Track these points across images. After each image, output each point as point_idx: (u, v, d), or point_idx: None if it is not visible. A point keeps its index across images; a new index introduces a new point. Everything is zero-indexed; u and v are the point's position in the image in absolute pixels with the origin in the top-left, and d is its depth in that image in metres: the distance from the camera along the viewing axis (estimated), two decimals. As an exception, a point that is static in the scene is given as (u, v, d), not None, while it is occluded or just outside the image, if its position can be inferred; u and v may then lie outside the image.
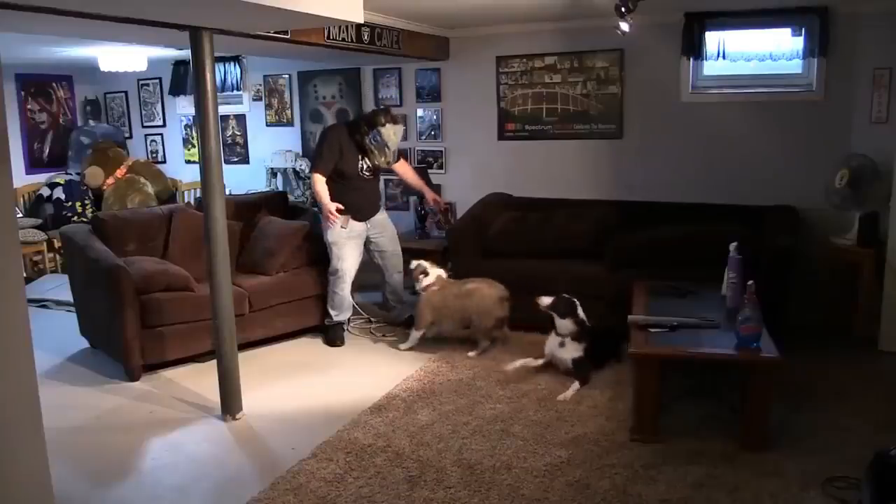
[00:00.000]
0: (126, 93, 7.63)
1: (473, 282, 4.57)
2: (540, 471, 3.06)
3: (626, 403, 3.59)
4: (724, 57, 5.10)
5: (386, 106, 4.67)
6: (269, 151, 6.80)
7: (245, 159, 7.09)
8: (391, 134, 4.56)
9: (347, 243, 4.71)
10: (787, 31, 4.95)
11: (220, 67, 6.62)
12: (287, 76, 6.70)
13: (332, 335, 4.83)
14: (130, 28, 3.29)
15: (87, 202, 6.90)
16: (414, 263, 4.69)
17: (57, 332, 5.03)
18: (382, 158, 4.66)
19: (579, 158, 5.69)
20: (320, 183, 4.61)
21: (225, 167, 3.77)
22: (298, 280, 4.89)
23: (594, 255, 4.84)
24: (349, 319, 5.02)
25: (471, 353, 4.46)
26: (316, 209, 4.94)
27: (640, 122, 5.47)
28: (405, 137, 5.00)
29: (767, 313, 3.35)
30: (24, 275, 5.21)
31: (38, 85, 7.24)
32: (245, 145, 7.08)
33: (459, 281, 4.67)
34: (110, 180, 7.01)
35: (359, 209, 4.73)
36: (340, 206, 4.56)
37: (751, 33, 5.07)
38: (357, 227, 4.75)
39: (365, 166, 4.71)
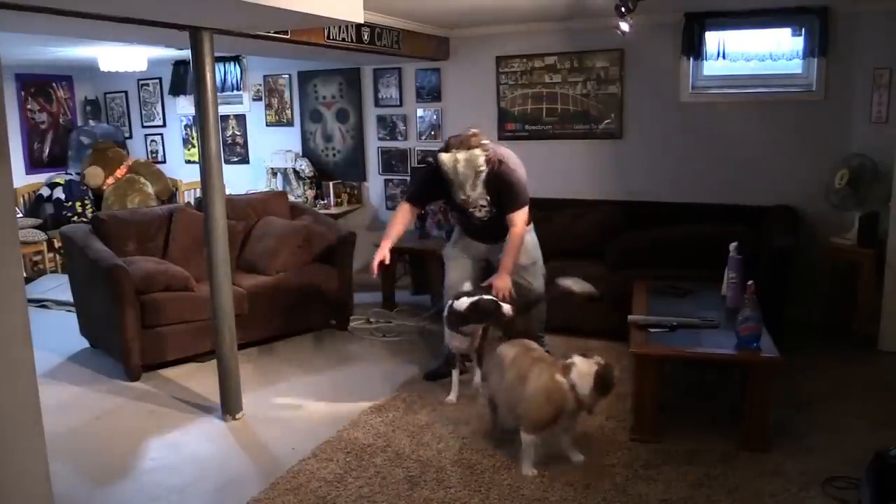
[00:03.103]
0: (126, 93, 7.63)
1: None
2: (540, 471, 3.05)
3: (626, 403, 3.59)
4: (724, 57, 5.10)
5: (470, 132, 3.69)
6: (269, 151, 6.80)
7: (245, 159, 7.09)
8: (451, 161, 3.61)
9: (455, 260, 4.05)
10: (787, 31, 4.95)
11: (220, 67, 6.62)
12: (287, 76, 6.71)
13: (435, 367, 4.14)
14: (130, 28, 3.29)
15: (87, 202, 6.90)
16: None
17: (57, 332, 5.03)
18: (457, 191, 3.71)
19: (579, 159, 5.69)
20: (395, 212, 3.99)
21: (225, 167, 3.77)
22: (298, 280, 4.89)
23: (594, 255, 4.84)
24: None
25: None
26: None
27: (640, 122, 5.47)
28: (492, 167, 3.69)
29: (767, 313, 3.35)
30: (24, 275, 5.21)
31: (38, 85, 7.24)
32: (245, 145, 7.08)
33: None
34: (110, 180, 7.01)
35: (471, 232, 4.01)
36: (384, 258, 3.79)
37: (751, 33, 5.06)
38: (472, 246, 4.03)
39: (469, 200, 3.75)
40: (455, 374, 3.84)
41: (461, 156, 3.59)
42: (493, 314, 3.53)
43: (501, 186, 3.70)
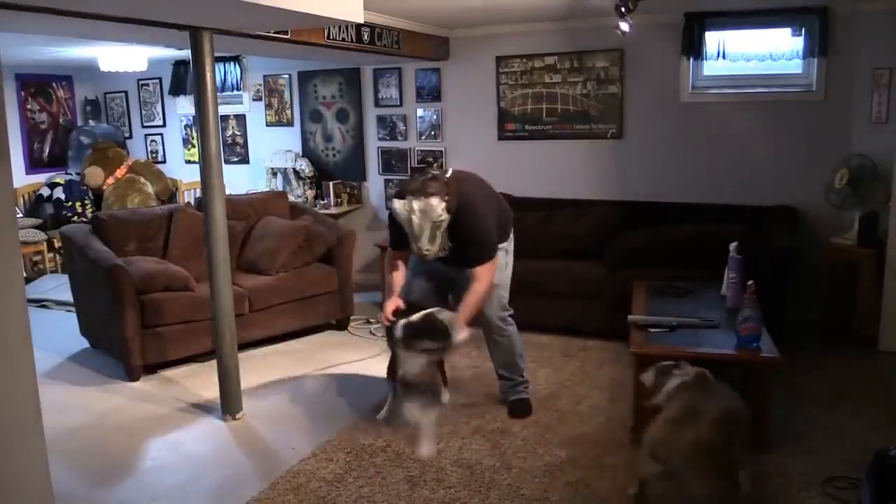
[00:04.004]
0: (126, 93, 7.62)
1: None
2: (540, 471, 3.06)
3: (626, 403, 3.59)
4: (724, 57, 5.10)
5: (429, 175, 3.16)
6: (269, 151, 6.79)
7: (245, 159, 7.08)
8: (406, 211, 3.08)
9: (414, 276, 3.58)
10: (787, 31, 4.95)
11: (220, 67, 6.62)
12: (287, 76, 6.70)
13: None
14: (130, 28, 3.29)
15: (87, 202, 6.90)
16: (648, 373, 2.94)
17: (57, 332, 5.03)
18: (412, 243, 3.15)
19: (579, 159, 5.69)
20: (390, 263, 3.52)
21: (225, 167, 3.77)
22: (299, 280, 4.89)
23: (594, 255, 4.85)
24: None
25: None
26: None
27: (640, 122, 5.47)
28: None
29: (767, 313, 3.34)
30: (24, 275, 5.21)
31: (38, 85, 7.24)
32: (245, 145, 7.07)
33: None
34: (110, 180, 7.01)
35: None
36: (398, 306, 3.31)
37: (751, 33, 5.07)
38: (430, 263, 3.40)
39: (429, 254, 3.17)
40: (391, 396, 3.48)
41: (416, 205, 3.03)
42: (439, 335, 3.07)
43: (464, 236, 3.19)
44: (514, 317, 3.64)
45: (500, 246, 3.44)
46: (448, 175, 3.30)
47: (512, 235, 3.63)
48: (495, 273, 3.37)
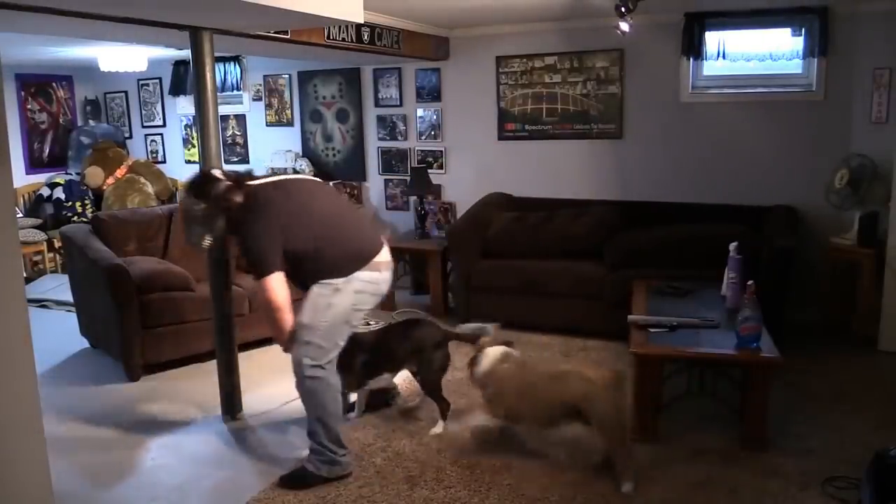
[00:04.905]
0: (126, 93, 7.63)
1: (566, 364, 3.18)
2: (540, 471, 3.05)
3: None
4: (724, 57, 5.10)
5: (211, 172, 3.07)
6: (269, 151, 6.80)
7: (245, 159, 7.08)
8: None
9: None
10: (787, 31, 4.95)
11: (220, 67, 6.62)
12: (287, 76, 6.70)
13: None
14: (130, 28, 3.29)
15: (87, 202, 6.90)
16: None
17: (57, 332, 5.03)
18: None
19: (579, 158, 5.69)
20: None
21: (225, 167, 3.77)
22: (298, 280, 4.88)
23: (594, 255, 4.85)
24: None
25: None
26: None
27: (640, 122, 5.47)
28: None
29: (767, 313, 3.35)
30: (24, 275, 5.21)
31: (38, 85, 7.24)
32: (245, 145, 7.08)
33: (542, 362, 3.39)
34: (110, 180, 7.01)
35: None
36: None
37: (751, 33, 5.07)
38: None
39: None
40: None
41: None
42: None
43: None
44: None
45: (328, 281, 2.96)
46: (259, 182, 2.99)
47: (360, 275, 2.99)
48: (306, 312, 2.99)
